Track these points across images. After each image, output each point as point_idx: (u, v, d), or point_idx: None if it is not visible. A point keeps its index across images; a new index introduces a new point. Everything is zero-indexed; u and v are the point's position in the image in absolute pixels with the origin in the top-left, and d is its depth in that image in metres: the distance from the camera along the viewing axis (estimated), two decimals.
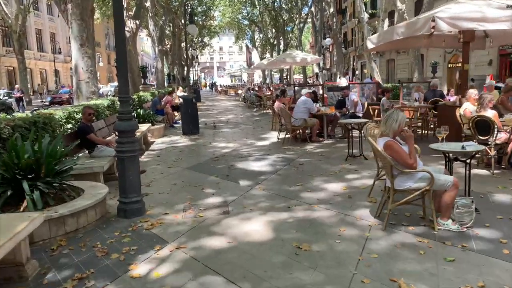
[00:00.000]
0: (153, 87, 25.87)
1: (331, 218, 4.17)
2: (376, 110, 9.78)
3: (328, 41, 30.35)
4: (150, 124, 10.41)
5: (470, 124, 5.73)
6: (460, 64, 27.80)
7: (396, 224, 3.87)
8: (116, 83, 38.79)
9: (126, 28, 19.07)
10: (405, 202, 3.80)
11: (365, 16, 25.80)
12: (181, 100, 12.71)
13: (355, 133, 7.48)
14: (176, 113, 14.96)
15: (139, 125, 10.26)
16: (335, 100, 11.86)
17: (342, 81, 23.30)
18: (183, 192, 5.42)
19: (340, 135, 9.44)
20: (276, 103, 9.58)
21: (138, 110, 11.19)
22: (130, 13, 19.40)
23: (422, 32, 6.24)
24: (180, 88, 25.43)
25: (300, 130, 9.07)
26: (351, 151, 7.04)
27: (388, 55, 37.42)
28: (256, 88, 23.86)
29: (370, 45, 8.40)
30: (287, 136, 9.20)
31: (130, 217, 4.44)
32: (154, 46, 30.50)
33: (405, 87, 17.77)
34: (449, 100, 9.31)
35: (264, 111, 18.28)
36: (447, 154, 4.19)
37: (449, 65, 29.46)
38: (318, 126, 8.91)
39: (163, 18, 30.89)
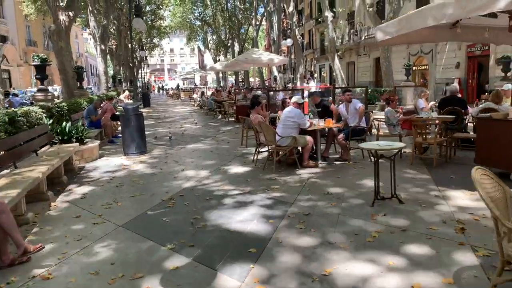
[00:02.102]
0: (89, 90, 22.47)
1: None
2: (378, 123, 7.61)
3: (289, 41, 28.36)
4: (77, 144, 7.54)
5: None
6: (425, 67, 26.77)
7: None
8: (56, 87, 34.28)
9: (57, 22, 15.80)
10: None
11: (330, 14, 24.02)
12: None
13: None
14: (119, 123, 12.03)
15: (62, 145, 7.39)
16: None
17: (311, 85, 21.34)
18: None
19: (338, 156, 7.13)
20: (253, 116, 7.11)
21: (63, 124, 8.22)
22: (61, 3, 16.13)
23: (494, 10, 4.06)
24: (126, 92, 22.22)
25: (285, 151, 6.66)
26: (376, 188, 4.69)
27: (348, 57, 36.24)
28: (215, 92, 21.25)
29: (381, 36, 6.15)
30: (266, 156, 6.78)
31: None
32: (96, 45, 27.06)
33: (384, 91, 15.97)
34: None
35: (226, 119, 15.71)
36: None
37: (413, 68, 28.48)
38: (311, 146, 6.55)
39: (106, 13, 27.39)
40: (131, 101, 16.92)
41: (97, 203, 5.18)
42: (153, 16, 42.26)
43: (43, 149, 7.02)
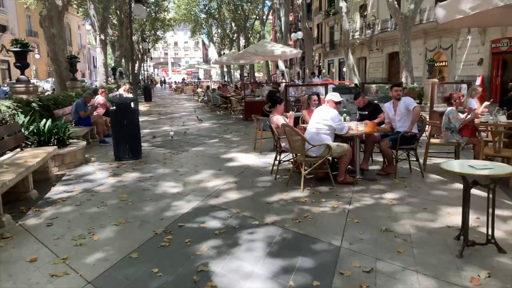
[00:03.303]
0: (83, 83, 21.04)
1: None
2: (429, 128, 6.15)
3: (299, 34, 26.77)
4: (54, 148, 6.11)
5: None
6: (444, 63, 25.20)
7: None
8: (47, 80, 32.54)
9: (48, 6, 14.37)
10: None
11: (344, 5, 22.46)
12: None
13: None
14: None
15: (35, 149, 5.90)
16: (346, 106, 8.22)
17: (315, 81, 19.81)
18: None
19: (380, 168, 5.69)
20: (273, 116, 5.67)
21: (42, 122, 6.80)
22: None
23: None
24: (127, 85, 20.69)
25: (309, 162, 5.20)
26: (466, 229, 3.25)
27: (359, 52, 34.62)
28: (220, 86, 19.81)
29: (444, 16, 4.73)
30: (288, 166, 5.35)
31: None
32: (95, 34, 25.62)
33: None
34: None
35: (234, 117, 14.28)
36: None
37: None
38: (350, 157, 5.11)
39: (107, 2, 25.88)
40: (131, 95, 15.52)
41: (66, 235, 3.77)
42: (157, 8, 40.75)
43: (10, 154, 5.61)
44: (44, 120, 6.99)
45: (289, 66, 48.77)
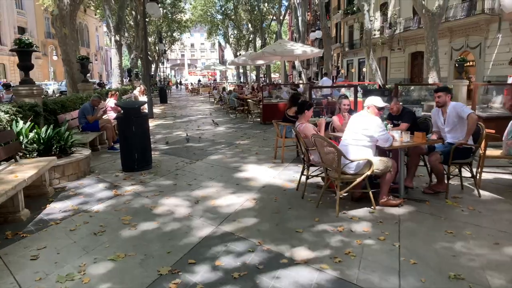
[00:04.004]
0: (94, 84, 20.56)
1: None
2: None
3: (318, 33, 25.88)
4: (51, 159, 5.44)
5: None
6: (471, 63, 23.95)
7: None
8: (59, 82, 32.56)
9: (60, 5, 13.91)
10: None
11: (366, 3, 21.44)
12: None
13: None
14: None
15: (31, 160, 5.19)
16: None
17: (324, 81, 18.85)
18: None
19: (427, 185, 4.84)
20: (301, 124, 4.87)
21: (42, 129, 6.16)
22: None
23: None
24: (142, 87, 20.07)
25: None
26: None
27: (380, 52, 33.43)
28: (236, 88, 19.09)
29: (509, 3, 3.86)
30: (316, 182, 4.54)
31: None
32: (110, 35, 25.30)
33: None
34: None
35: (251, 120, 13.51)
36: None
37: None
38: (394, 174, 4.27)
39: (122, 2, 25.47)
40: (145, 98, 14.93)
41: (51, 275, 3.06)
42: (173, 9, 40.41)
43: (2, 166, 4.96)
44: (45, 126, 6.37)
45: (306, 66, 47.81)
